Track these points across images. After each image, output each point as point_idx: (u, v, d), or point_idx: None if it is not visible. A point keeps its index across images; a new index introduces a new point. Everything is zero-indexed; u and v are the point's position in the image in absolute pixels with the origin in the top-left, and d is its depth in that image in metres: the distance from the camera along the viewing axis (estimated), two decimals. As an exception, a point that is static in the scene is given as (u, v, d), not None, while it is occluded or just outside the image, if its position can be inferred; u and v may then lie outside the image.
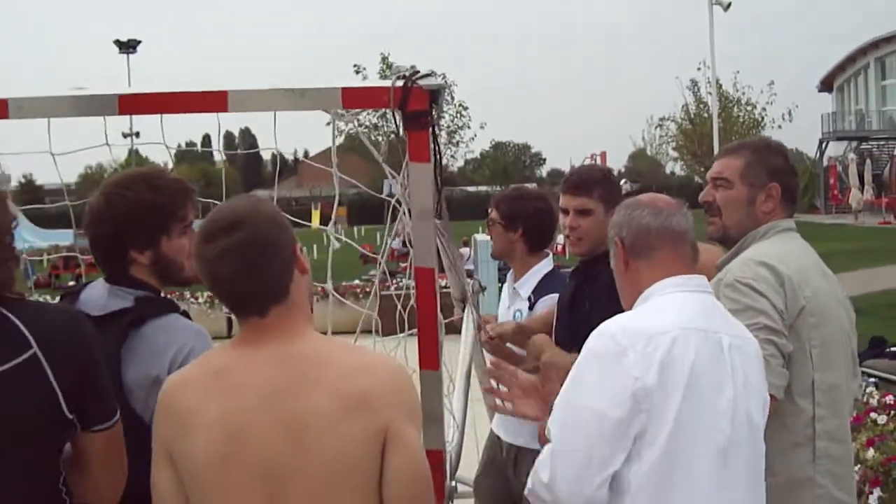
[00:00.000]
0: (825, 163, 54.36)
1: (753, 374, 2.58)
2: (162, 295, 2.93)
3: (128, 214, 2.79)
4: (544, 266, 4.52)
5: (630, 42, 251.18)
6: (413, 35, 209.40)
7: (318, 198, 61.70)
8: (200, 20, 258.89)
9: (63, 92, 3.01)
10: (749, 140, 3.57)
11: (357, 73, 36.90)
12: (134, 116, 2.97)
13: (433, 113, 2.84)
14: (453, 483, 3.47)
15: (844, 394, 3.19)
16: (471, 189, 75.74)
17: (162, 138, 3.22)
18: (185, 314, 2.85)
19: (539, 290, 4.45)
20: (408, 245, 3.12)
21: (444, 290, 4.15)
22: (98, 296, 2.83)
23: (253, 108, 2.93)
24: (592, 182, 3.84)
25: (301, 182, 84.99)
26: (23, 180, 73.92)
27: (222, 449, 2.19)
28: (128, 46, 47.58)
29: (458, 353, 4.49)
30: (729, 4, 22.34)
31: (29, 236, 31.19)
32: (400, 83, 2.79)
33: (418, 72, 2.82)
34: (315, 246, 22.06)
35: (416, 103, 2.81)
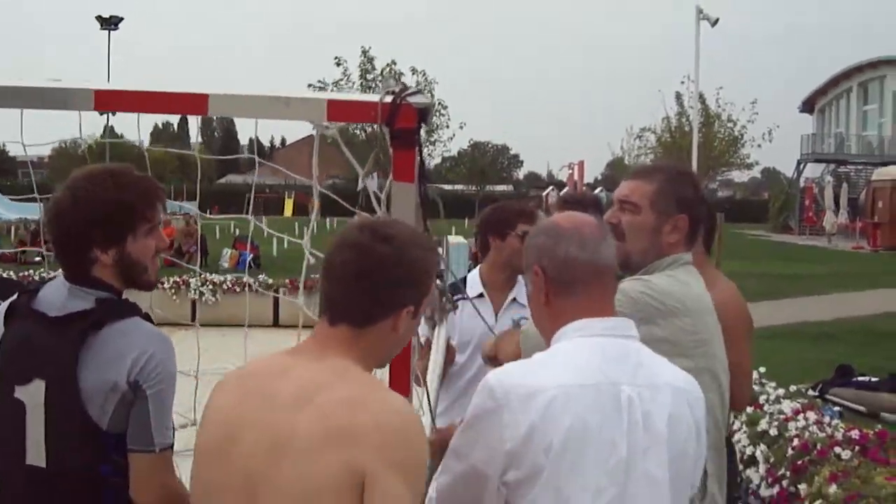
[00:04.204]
0: (802, 184, 54.68)
1: (664, 425, 2.32)
2: (124, 297, 2.80)
3: (94, 211, 2.68)
4: None
5: (613, 50, 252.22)
6: (392, 30, 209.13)
7: (291, 187, 61.25)
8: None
9: (36, 83, 2.88)
10: (662, 164, 3.40)
11: (338, 64, 36.63)
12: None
13: (421, 132, 2.74)
14: None
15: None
16: (446, 187, 75.42)
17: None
18: (148, 317, 2.74)
19: None
20: None
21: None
22: (57, 295, 2.72)
23: (234, 113, 2.83)
24: (587, 202, 4.25)
25: (276, 170, 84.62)
26: (-4, 151, 73.17)
27: (215, 447, 2.19)
28: (110, 23, 47.12)
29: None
30: (717, 20, 22.36)
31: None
32: (388, 99, 2.68)
33: (408, 88, 2.71)
34: (286, 235, 21.83)
35: (404, 121, 2.69)
